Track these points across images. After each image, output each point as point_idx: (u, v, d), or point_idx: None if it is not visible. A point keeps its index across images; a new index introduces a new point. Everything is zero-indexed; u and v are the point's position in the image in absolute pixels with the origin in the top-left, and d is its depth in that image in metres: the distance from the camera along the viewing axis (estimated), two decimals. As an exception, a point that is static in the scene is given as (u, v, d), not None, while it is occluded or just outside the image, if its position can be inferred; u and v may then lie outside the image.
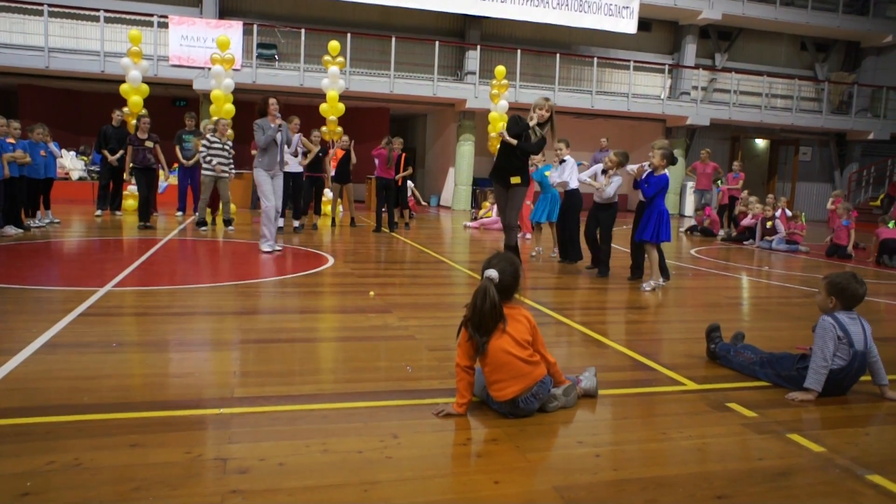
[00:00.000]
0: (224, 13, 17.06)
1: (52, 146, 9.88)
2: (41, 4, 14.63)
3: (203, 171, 10.01)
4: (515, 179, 6.54)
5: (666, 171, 6.33)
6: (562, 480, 2.29)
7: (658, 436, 2.74)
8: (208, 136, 10.27)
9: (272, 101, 7.48)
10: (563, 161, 8.10)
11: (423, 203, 17.78)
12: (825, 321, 3.28)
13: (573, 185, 7.94)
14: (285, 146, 7.81)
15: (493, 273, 2.82)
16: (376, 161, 10.90)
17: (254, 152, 12.39)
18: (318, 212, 11.25)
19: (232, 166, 10.22)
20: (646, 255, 6.53)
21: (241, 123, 13.10)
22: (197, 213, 10.16)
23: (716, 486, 2.29)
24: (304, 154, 10.53)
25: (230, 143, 10.20)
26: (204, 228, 9.91)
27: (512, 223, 6.72)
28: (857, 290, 3.32)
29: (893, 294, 6.89)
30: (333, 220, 11.72)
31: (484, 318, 2.76)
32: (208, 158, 9.88)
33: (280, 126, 7.52)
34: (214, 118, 12.46)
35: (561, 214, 8.20)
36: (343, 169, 11.12)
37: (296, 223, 10.36)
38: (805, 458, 2.57)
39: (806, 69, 22.27)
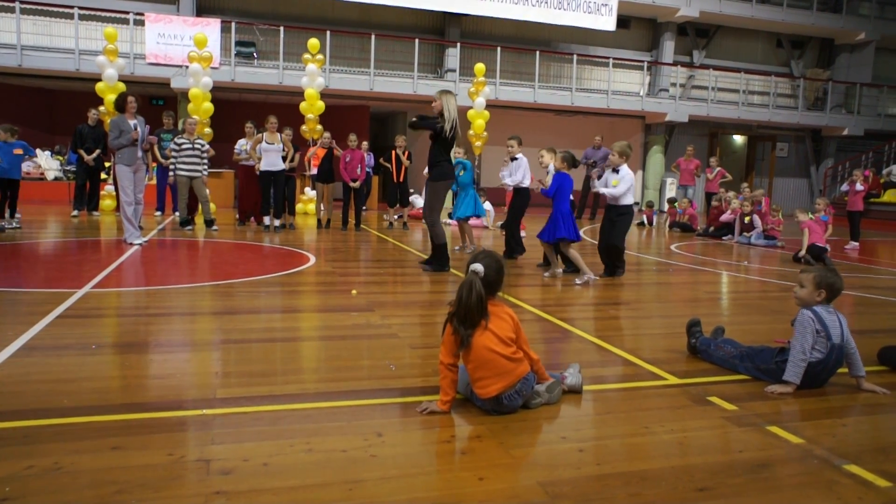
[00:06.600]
0: (201, 11, 16.88)
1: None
2: (13, 1, 14.36)
3: (178, 172, 9.95)
4: (427, 172, 6.37)
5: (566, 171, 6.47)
6: (546, 476, 2.31)
7: (640, 430, 2.77)
8: (177, 138, 10.15)
9: (131, 98, 7.89)
10: (515, 159, 7.58)
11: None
12: (805, 315, 3.33)
13: (525, 182, 7.65)
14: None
15: (478, 267, 2.85)
16: (348, 158, 10.88)
17: (238, 150, 12.32)
18: (292, 212, 11.08)
19: (206, 166, 10.11)
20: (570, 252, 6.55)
21: (220, 122, 13.00)
22: (177, 214, 10.05)
23: (697, 479, 2.32)
24: (291, 157, 10.46)
25: (202, 141, 10.10)
26: (189, 228, 9.84)
27: (426, 220, 6.45)
28: (838, 284, 3.40)
29: (867, 287, 7.01)
30: (319, 221, 11.32)
31: (470, 312, 2.77)
32: (179, 160, 9.83)
33: (136, 125, 7.78)
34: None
35: (509, 212, 7.90)
36: (327, 168, 10.99)
37: (276, 222, 10.29)
38: (784, 450, 2.61)
39: (782, 66, 22.57)
